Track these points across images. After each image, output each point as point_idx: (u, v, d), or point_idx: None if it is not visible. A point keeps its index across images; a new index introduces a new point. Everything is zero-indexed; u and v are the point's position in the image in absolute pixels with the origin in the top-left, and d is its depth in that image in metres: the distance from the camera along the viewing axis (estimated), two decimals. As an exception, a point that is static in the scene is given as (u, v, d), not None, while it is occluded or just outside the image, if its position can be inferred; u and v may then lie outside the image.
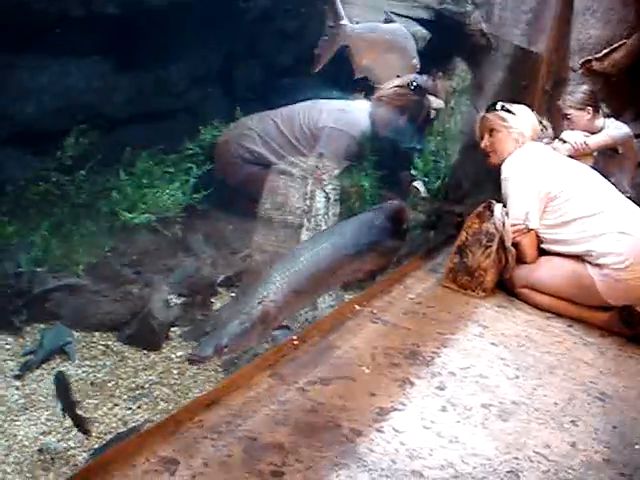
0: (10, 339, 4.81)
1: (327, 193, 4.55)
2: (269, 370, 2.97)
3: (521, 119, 4.76)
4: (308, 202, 4.49)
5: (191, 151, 5.62)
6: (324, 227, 4.53)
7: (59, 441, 3.79)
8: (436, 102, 5.93)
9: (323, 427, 2.61)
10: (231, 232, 5.61)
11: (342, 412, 2.74)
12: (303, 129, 5.76)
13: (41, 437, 3.83)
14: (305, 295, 3.86)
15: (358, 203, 5.25)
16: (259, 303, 3.57)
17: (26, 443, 3.77)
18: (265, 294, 3.63)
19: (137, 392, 4.08)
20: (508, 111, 4.75)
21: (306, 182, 4.54)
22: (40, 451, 3.71)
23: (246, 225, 5.32)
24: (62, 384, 4.16)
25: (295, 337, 3.30)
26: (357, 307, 3.82)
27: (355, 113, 5.80)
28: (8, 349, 4.70)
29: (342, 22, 4.99)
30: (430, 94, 5.90)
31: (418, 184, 5.86)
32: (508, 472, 2.60)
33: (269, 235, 4.54)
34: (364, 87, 5.96)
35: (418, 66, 5.51)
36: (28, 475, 3.55)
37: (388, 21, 5.41)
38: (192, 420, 2.46)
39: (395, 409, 2.85)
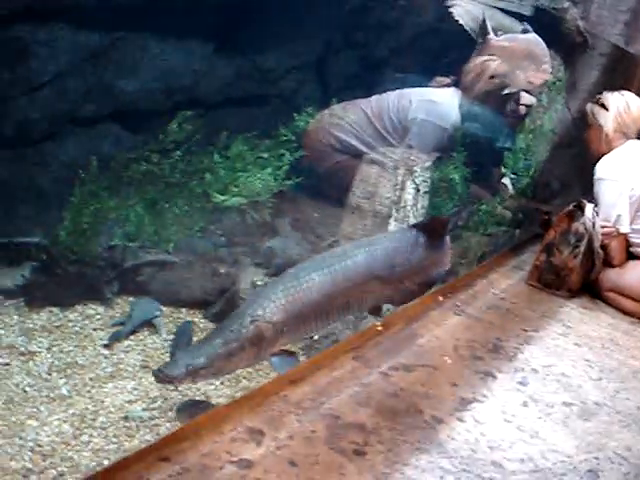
0: (101, 309, 4.99)
1: (417, 185, 4.57)
2: (353, 353, 3.02)
3: (614, 115, 4.43)
4: (398, 193, 4.52)
5: (285, 137, 5.71)
6: (412, 219, 4.55)
7: (144, 410, 3.93)
8: (528, 99, 5.88)
9: (405, 412, 2.65)
10: (318, 219, 5.68)
11: (424, 399, 2.78)
12: (393, 120, 5.79)
13: (127, 405, 3.97)
14: (313, 318, 3.46)
15: (447, 196, 5.27)
16: (251, 322, 3.26)
17: (112, 410, 3.93)
18: (260, 313, 3.29)
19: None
20: (602, 105, 4.48)
21: (397, 173, 4.56)
22: (125, 418, 3.86)
23: (333, 212, 5.39)
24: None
25: (379, 323, 3.33)
26: (441, 298, 3.83)
27: (445, 104, 5.79)
28: (99, 319, 4.88)
29: (489, 36, 5.51)
30: (523, 90, 5.86)
31: (506, 181, 5.83)
32: (588, 471, 2.59)
33: (357, 223, 4.59)
34: (449, 72, 5.97)
35: (550, 71, 5.60)
36: (113, 440, 3.69)
37: (525, 31, 5.73)
38: (278, 395, 2.52)
39: (476, 400, 2.87)
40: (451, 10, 5.87)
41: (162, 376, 3.15)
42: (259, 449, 2.21)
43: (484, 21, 5.74)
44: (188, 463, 2.06)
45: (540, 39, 5.76)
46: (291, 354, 3.48)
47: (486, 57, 5.72)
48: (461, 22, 5.80)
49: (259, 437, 2.26)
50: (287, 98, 6.62)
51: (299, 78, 6.79)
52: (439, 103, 5.76)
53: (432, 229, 3.96)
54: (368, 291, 3.67)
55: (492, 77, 5.73)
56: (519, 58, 5.75)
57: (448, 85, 5.92)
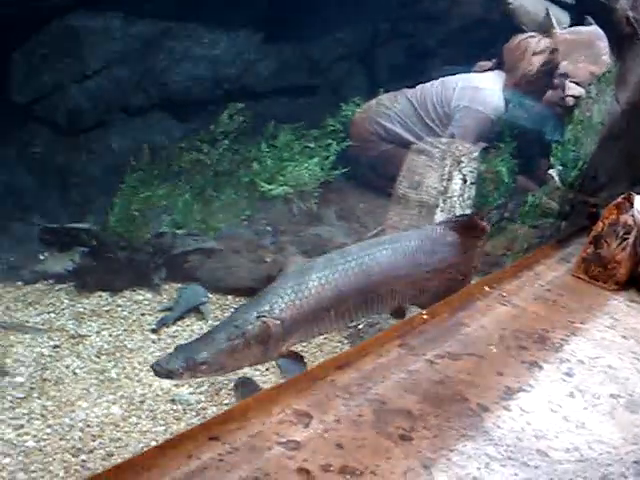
0: (149, 295, 5.07)
1: (464, 175, 4.57)
2: (399, 340, 3.03)
3: None
4: (445, 183, 4.52)
5: (332, 127, 5.74)
6: (458, 209, 4.54)
7: (191, 394, 3.99)
8: (576, 89, 5.82)
9: (450, 399, 2.66)
10: (364, 208, 5.70)
11: (470, 387, 2.78)
12: (437, 108, 5.78)
13: (174, 389, 4.04)
14: (326, 317, 3.31)
15: (493, 187, 5.25)
16: (258, 318, 3.13)
17: (159, 393, 3.99)
18: (268, 308, 3.16)
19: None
20: None
21: (444, 163, 4.56)
22: (172, 401, 3.92)
23: (379, 202, 5.41)
24: None
25: (424, 312, 3.34)
26: (487, 289, 3.82)
27: (488, 90, 5.74)
28: (147, 304, 4.96)
29: (554, 30, 5.50)
30: (571, 81, 5.81)
31: (553, 172, 5.78)
32: (634, 462, 2.58)
33: (403, 213, 4.59)
34: (492, 56, 5.93)
35: (608, 62, 5.56)
36: (161, 422, 3.76)
37: (588, 24, 5.67)
38: (325, 379, 2.55)
39: (522, 390, 2.87)
40: (510, 1, 5.85)
41: (160, 369, 3.04)
42: (306, 431, 2.25)
43: (548, 14, 5.72)
44: (237, 443, 2.09)
45: (601, 31, 5.71)
46: (300, 358, 3.32)
47: (527, 34, 5.68)
48: (518, 16, 5.77)
49: (306, 420, 2.29)
50: (334, 88, 6.65)
51: (346, 68, 6.82)
52: (482, 89, 5.72)
53: (463, 227, 3.79)
54: (389, 291, 3.50)
55: (535, 54, 5.68)
56: (582, 50, 5.71)
57: (491, 69, 5.88)
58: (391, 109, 5.91)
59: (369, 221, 5.48)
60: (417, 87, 5.97)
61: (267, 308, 3.14)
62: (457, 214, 4.46)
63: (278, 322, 3.13)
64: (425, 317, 3.32)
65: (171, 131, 6.19)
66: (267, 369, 4.23)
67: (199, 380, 4.09)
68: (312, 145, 5.66)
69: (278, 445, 2.13)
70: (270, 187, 5.45)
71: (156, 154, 5.46)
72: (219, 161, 5.57)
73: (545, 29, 5.71)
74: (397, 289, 3.51)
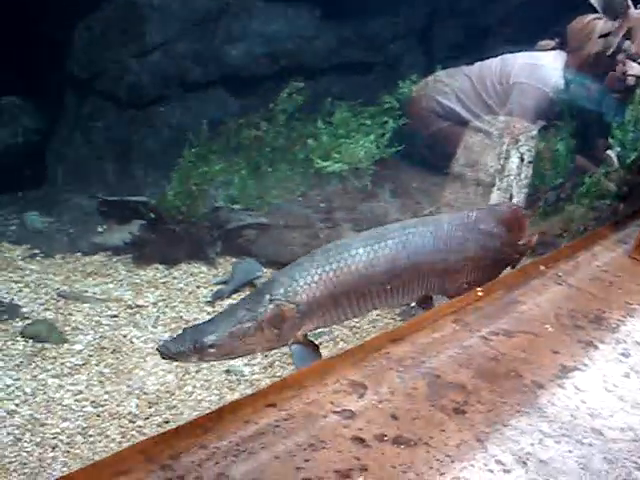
0: (204, 268, 5.14)
1: (521, 154, 4.52)
2: (453, 316, 3.04)
3: None
4: (502, 162, 4.48)
5: (388, 105, 5.72)
6: (515, 188, 4.50)
7: (245, 365, 4.04)
8: (638, 69, 5.71)
9: (505, 375, 2.67)
10: (419, 186, 5.68)
11: (524, 364, 2.78)
12: (495, 85, 5.70)
13: (227, 359, 4.09)
14: (346, 303, 3.13)
15: (550, 166, 5.19)
16: (271, 301, 2.99)
17: (214, 364, 4.05)
18: (282, 291, 3.00)
19: (320, 330, 4.26)
20: None
21: (502, 141, 4.52)
22: (227, 372, 3.98)
23: (435, 180, 5.39)
24: None
25: (480, 289, 3.34)
26: (542, 268, 3.80)
27: (548, 67, 5.65)
28: (202, 277, 5.02)
29: (630, 10, 5.40)
30: (631, 59, 5.69)
31: (612, 153, 5.69)
32: (689, 443, 2.56)
33: (459, 192, 4.57)
34: (555, 35, 5.84)
35: None
36: (215, 392, 3.82)
37: None
38: (379, 352, 2.57)
39: (577, 369, 2.86)
40: None
41: (166, 351, 2.91)
42: (361, 401, 2.27)
43: None
44: (293, 410, 2.13)
45: None
46: (315, 348, 3.16)
47: (593, 16, 5.57)
48: None
49: (361, 390, 2.32)
50: (391, 65, 6.63)
51: (404, 45, 6.78)
52: (541, 66, 5.62)
53: (502, 218, 3.56)
54: (416, 278, 3.28)
55: (601, 36, 5.58)
56: None
57: (553, 48, 5.78)
58: (448, 86, 5.86)
59: (424, 199, 5.45)
60: (475, 64, 5.90)
61: (281, 291, 3.00)
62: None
63: (293, 306, 3.00)
64: (480, 294, 3.32)
65: (228, 107, 6.24)
66: (321, 344, 4.26)
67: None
68: (368, 122, 5.65)
69: (333, 414, 2.16)
70: (325, 164, 5.46)
71: (213, 130, 5.50)
72: (275, 137, 5.60)
73: (619, 8, 5.56)
74: (425, 276, 3.30)
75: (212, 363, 4.02)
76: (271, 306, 2.96)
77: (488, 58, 5.96)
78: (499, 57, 5.83)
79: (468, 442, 2.22)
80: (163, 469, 1.76)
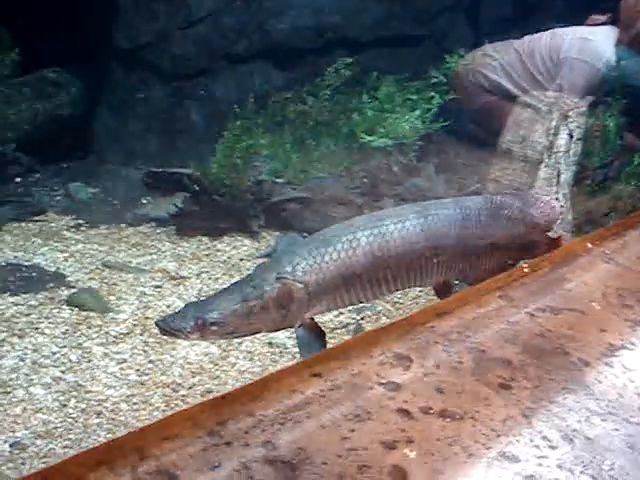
0: (247, 241, 5.16)
1: (571, 130, 4.44)
2: (499, 292, 3.00)
3: None
4: (550, 138, 4.41)
5: (435, 79, 5.66)
6: (563, 166, 4.43)
7: (288, 338, 4.05)
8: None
9: (551, 352, 2.63)
10: (465, 162, 5.63)
11: (571, 341, 2.74)
12: (545, 60, 5.60)
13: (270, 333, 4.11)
14: (358, 285, 2.96)
15: (599, 144, 5.09)
16: (278, 279, 2.82)
17: (258, 336, 4.06)
18: (290, 269, 2.84)
19: (362, 305, 4.26)
20: None
21: (550, 117, 4.44)
22: (270, 344, 3.99)
23: (481, 156, 5.33)
24: None
25: (525, 265, 3.30)
26: (589, 245, 3.74)
27: (599, 42, 5.52)
28: (245, 250, 5.04)
29: None
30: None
31: (663, 132, 5.58)
32: None
33: (506, 168, 4.51)
34: (606, 10, 5.71)
35: None
36: (258, 363, 3.84)
37: None
38: (425, 325, 2.55)
39: (625, 347, 2.81)
40: None
41: (165, 327, 2.76)
42: (406, 374, 2.26)
43: None
44: (339, 381, 2.12)
45: None
46: (321, 335, 3.00)
47: None
48: None
49: (407, 363, 2.30)
50: (438, 39, 6.55)
51: (451, 19, 6.70)
52: (592, 41, 5.49)
53: (531, 205, 3.37)
54: (434, 262, 3.10)
55: None
56: None
57: (603, 23, 5.65)
58: (496, 60, 5.76)
59: (469, 175, 5.41)
60: (524, 38, 5.79)
61: (289, 269, 2.83)
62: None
63: (301, 285, 2.83)
64: (526, 270, 3.28)
65: (272, 79, 6.23)
66: (362, 318, 4.26)
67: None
68: (414, 97, 5.60)
69: (379, 385, 2.15)
70: (370, 138, 5.42)
71: (258, 103, 5.49)
72: (320, 111, 5.57)
73: None
74: (444, 260, 3.11)
75: (255, 335, 4.03)
76: (278, 285, 2.80)
77: (537, 32, 5.86)
78: (549, 31, 5.71)
79: (514, 417, 2.20)
80: (210, 435, 1.77)
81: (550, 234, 3.42)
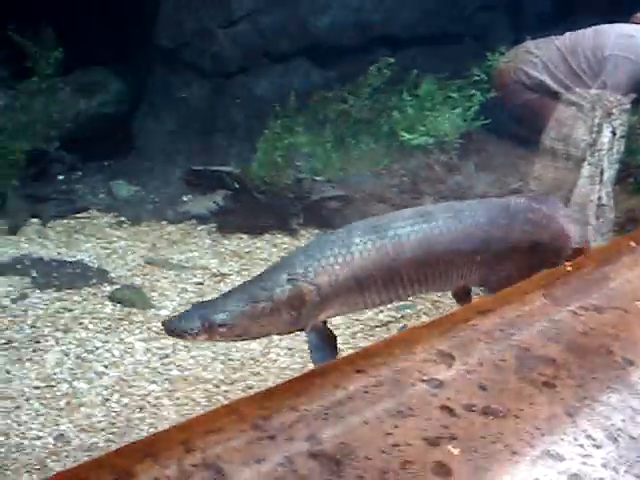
0: (287, 239, 5.18)
1: (614, 128, 4.38)
2: (542, 290, 2.98)
3: None
4: (594, 136, 4.36)
5: (477, 77, 5.63)
6: (606, 164, 4.38)
7: (327, 335, 4.05)
8: None
9: (595, 351, 2.61)
10: (506, 160, 5.60)
11: (615, 341, 2.72)
12: (588, 57, 5.53)
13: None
14: (373, 289, 2.85)
15: (643, 142, 5.03)
16: (289, 280, 2.75)
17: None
18: (302, 271, 2.76)
19: (402, 303, 4.26)
20: None
21: (594, 114, 4.39)
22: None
23: (522, 154, 5.29)
24: None
25: (568, 263, 3.27)
26: (633, 244, 3.70)
27: None
28: (285, 247, 5.06)
29: None
30: None
31: None
32: None
33: (549, 166, 4.47)
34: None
35: None
36: (298, 360, 3.85)
37: None
38: (467, 323, 2.54)
39: (670, 346, 2.79)
40: None
41: (172, 328, 2.71)
42: (449, 371, 2.25)
43: None
44: (382, 377, 2.12)
45: None
46: (331, 340, 2.92)
47: None
48: None
49: (449, 360, 2.30)
50: (478, 37, 6.51)
51: (491, 16, 6.66)
52: (637, 38, 5.43)
53: (556, 211, 3.22)
54: (452, 266, 2.98)
55: None
56: None
57: None
58: (538, 57, 5.69)
59: (510, 173, 5.37)
60: (566, 35, 5.72)
61: (300, 271, 2.75)
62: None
63: (313, 288, 2.74)
64: (569, 269, 3.25)
65: (311, 78, 6.24)
66: (402, 316, 4.26)
67: (335, 322, 4.16)
68: (455, 95, 5.58)
69: (421, 382, 2.14)
70: (410, 137, 5.42)
71: (298, 101, 5.51)
72: (360, 109, 5.57)
73: None
74: (462, 265, 2.99)
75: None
76: (289, 286, 2.73)
77: (578, 29, 5.79)
78: (592, 28, 5.64)
79: (558, 416, 2.18)
80: (254, 429, 1.78)
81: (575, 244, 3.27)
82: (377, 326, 4.16)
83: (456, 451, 1.89)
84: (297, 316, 2.78)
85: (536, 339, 2.60)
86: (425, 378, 2.18)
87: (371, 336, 4.03)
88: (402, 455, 1.81)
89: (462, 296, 3.19)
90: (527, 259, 3.10)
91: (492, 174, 5.46)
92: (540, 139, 4.55)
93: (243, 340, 3.02)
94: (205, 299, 4.31)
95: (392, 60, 5.51)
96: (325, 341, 2.90)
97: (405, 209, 3.16)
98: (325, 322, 2.93)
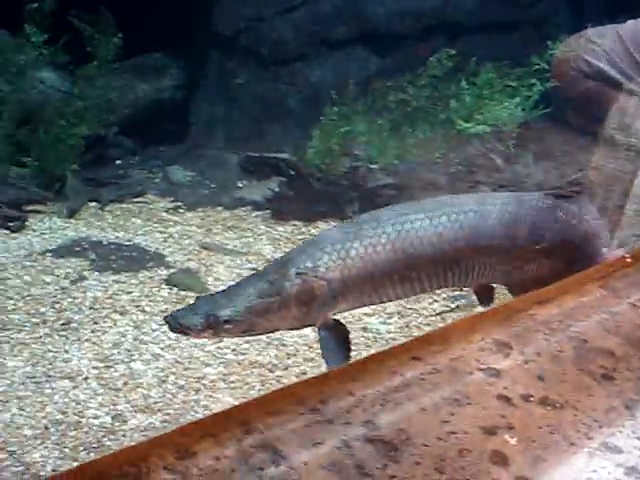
0: (341, 226, 5.17)
1: (677, 119, 4.30)
2: (600, 281, 2.94)
3: None
4: (656, 126, 4.28)
5: (537, 66, 5.55)
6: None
7: (382, 324, 4.07)
8: None
9: (654, 344, 2.58)
10: (565, 150, 5.53)
11: (675, 334, 2.68)
12: None
13: (365, 317, 4.12)
14: (387, 283, 2.70)
15: None
16: (298, 275, 2.61)
17: (351, 319, 4.07)
18: (309, 265, 2.61)
19: (457, 293, 4.25)
20: None
21: (658, 105, 4.31)
22: (364, 329, 4.01)
23: (581, 143, 5.22)
24: None
25: (628, 255, 3.22)
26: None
27: None
28: (340, 235, 5.05)
29: None
30: None
31: None
32: None
33: (608, 157, 4.40)
34: None
35: None
36: (352, 347, 3.85)
37: None
38: (525, 312, 2.52)
39: None
40: None
41: (174, 323, 2.58)
42: (506, 361, 2.24)
43: None
44: (439, 365, 2.12)
45: None
46: (344, 336, 2.78)
47: None
48: None
49: (507, 350, 2.28)
50: (539, 25, 6.42)
51: (551, 4, 6.56)
52: None
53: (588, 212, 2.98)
54: (473, 264, 2.80)
55: None
56: None
57: None
58: (599, 45, 5.61)
59: (569, 163, 5.30)
60: (629, 22, 5.62)
61: (309, 265, 2.61)
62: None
63: (324, 283, 2.60)
64: (628, 260, 3.21)
65: (369, 65, 6.23)
66: (457, 306, 4.24)
67: (390, 310, 4.16)
68: (514, 84, 5.51)
69: (478, 371, 2.14)
70: (467, 125, 5.38)
71: (355, 88, 5.50)
72: (418, 97, 5.54)
73: None
74: (484, 262, 2.81)
75: (349, 320, 4.05)
76: (298, 281, 2.59)
77: (641, 17, 5.69)
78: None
79: (616, 408, 2.16)
80: (312, 412, 1.79)
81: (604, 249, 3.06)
82: (431, 315, 4.14)
83: (513, 440, 1.88)
84: (307, 312, 2.65)
85: (594, 331, 2.57)
86: (482, 367, 2.17)
87: (426, 325, 4.02)
88: (459, 443, 1.81)
89: (484, 294, 3.02)
90: (554, 261, 2.91)
91: (550, 164, 5.39)
92: (600, 129, 4.47)
93: (250, 336, 2.89)
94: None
95: (453, 52, 5.45)
96: (337, 337, 2.76)
97: (426, 199, 3.03)
98: (336, 317, 2.79)
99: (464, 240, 2.73)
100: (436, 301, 4.24)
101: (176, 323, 2.56)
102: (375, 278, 2.67)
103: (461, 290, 4.13)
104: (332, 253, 2.61)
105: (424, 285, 2.77)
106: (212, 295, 2.88)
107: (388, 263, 2.65)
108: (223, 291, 2.82)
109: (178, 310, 2.73)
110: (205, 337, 2.67)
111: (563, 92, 5.66)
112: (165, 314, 2.70)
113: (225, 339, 3.69)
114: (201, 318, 2.53)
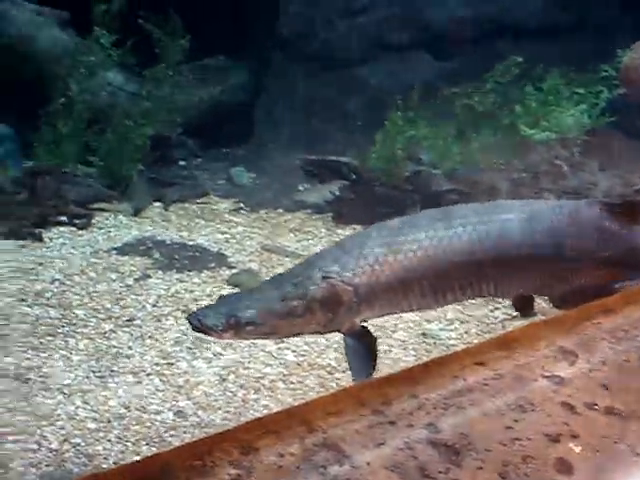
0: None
1: None
2: (669, 292, 2.90)
3: None
4: None
5: (605, 73, 5.47)
6: None
7: (441, 330, 4.05)
8: None
9: None
10: (632, 158, 5.43)
11: None
12: None
13: (425, 323, 4.11)
14: (419, 291, 2.60)
15: None
16: (324, 278, 2.53)
17: (411, 325, 4.08)
18: (337, 269, 2.53)
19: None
20: None
21: None
22: (423, 335, 4.00)
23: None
24: None
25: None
26: None
27: None
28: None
29: None
30: None
31: None
32: None
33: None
34: None
35: None
36: (412, 352, 3.85)
37: None
38: (590, 321, 2.49)
39: None
40: None
41: (197, 323, 2.52)
42: (571, 369, 2.21)
43: None
44: (502, 371, 2.10)
45: None
46: (371, 342, 2.70)
47: None
48: None
49: (572, 358, 2.25)
50: (604, 30, 6.33)
51: (619, 10, 6.45)
52: None
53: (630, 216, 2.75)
54: (510, 272, 2.67)
55: None
56: None
57: None
58: (668, 52, 5.52)
59: (636, 171, 5.21)
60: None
61: (336, 268, 2.53)
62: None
63: (350, 288, 2.52)
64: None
65: (430, 70, 6.22)
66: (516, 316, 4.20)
67: (450, 317, 4.13)
68: (581, 91, 5.44)
69: (543, 378, 2.11)
70: (532, 131, 5.33)
71: (418, 93, 5.49)
72: (483, 103, 5.50)
73: None
74: (523, 272, 2.68)
75: (409, 325, 4.05)
76: (324, 284, 2.52)
77: None
78: None
79: (684, 421, 2.12)
80: (375, 414, 1.79)
81: None
82: (492, 323, 4.11)
83: (578, 449, 1.86)
84: (332, 318, 2.57)
85: (662, 341, 2.53)
86: (546, 374, 2.15)
87: (487, 332, 3.99)
88: (523, 449, 1.79)
89: (523, 305, 2.96)
90: (597, 273, 2.76)
91: (616, 172, 5.31)
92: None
93: (272, 339, 2.87)
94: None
95: (520, 59, 5.39)
96: (363, 345, 2.70)
97: (461, 205, 2.91)
98: (364, 326, 2.72)
99: (502, 248, 2.61)
100: (497, 308, 4.21)
101: (198, 322, 2.52)
102: (405, 286, 2.59)
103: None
104: (360, 258, 2.54)
105: (457, 295, 2.68)
106: (237, 294, 2.88)
107: (419, 271, 2.56)
108: (249, 290, 2.80)
109: (201, 309, 2.71)
110: (227, 338, 2.63)
111: (632, 100, 5.57)
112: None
113: (283, 340, 3.73)
114: (222, 319, 2.49)
